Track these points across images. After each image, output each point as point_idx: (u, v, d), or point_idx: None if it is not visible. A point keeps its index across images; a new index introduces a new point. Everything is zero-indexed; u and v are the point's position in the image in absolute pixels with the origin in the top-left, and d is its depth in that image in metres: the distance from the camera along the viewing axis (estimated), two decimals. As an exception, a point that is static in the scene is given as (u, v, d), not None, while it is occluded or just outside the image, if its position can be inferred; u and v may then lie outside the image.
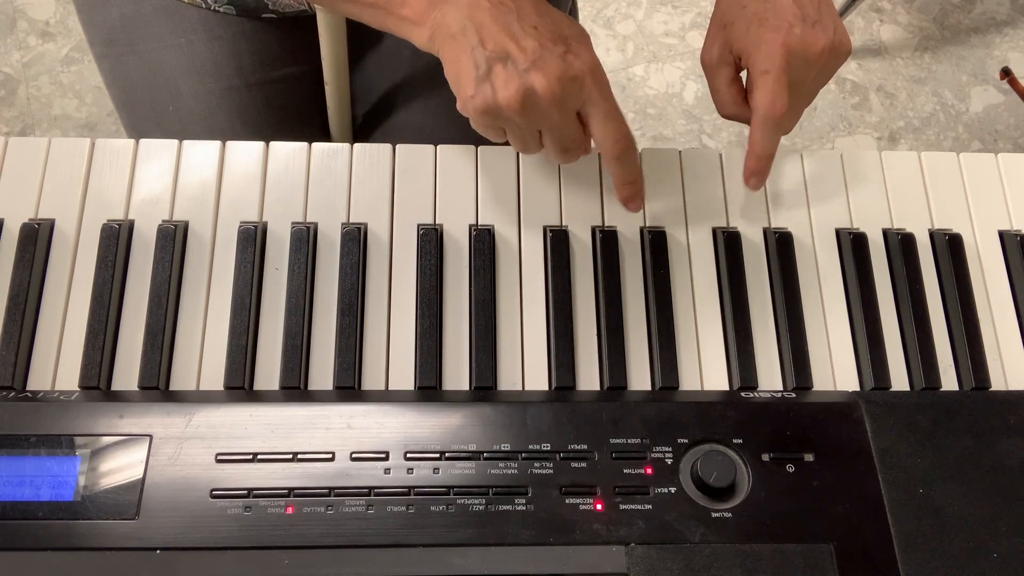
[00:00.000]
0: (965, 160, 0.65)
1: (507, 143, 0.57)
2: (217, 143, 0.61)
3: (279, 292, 0.57)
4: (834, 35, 0.59)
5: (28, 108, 1.57)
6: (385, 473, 0.48)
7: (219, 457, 0.48)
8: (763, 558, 0.47)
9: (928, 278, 0.61)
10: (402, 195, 0.61)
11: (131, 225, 0.59)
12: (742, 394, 0.54)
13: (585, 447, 0.49)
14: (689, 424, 0.50)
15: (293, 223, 0.59)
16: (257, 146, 0.61)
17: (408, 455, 0.49)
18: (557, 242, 0.59)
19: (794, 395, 0.54)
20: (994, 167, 0.65)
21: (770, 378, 0.57)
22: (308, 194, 0.60)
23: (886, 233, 0.62)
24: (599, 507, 0.48)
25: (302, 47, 0.83)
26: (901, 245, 0.61)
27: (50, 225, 0.58)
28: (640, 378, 0.57)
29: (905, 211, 0.63)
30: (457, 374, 0.56)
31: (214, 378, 0.55)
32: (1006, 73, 1.58)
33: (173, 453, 0.48)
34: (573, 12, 0.94)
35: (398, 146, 0.62)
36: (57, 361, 0.55)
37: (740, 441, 0.50)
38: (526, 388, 0.56)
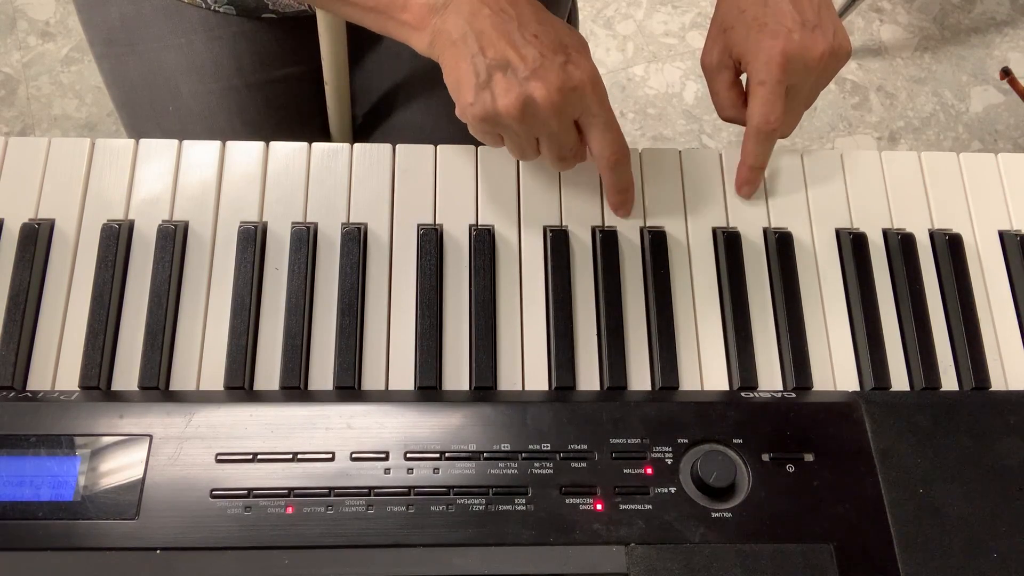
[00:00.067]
0: (965, 160, 0.65)
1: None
2: (217, 143, 0.61)
3: (279, 292, 0.57)
4: (834, 39, 0.59)
5: (28, 108, 1.57)
6: (385, 473, 0.48)
7: (219, 457, 0.48)
8: (763, 558, 0.47)
9: (928, 278, 0.61)
10: (402, 195, 0.61)
11: (131, 225, 0.59)
12: (742, 394, 0.54)
13: (585, 447, 0.49)
14: (689, 424, 0.50)
15: (293, 223, 0.59)
16: (257, 146, 0.61)
17: (408, 455, 0.49)
18: (557, 242, 0.59)
19: (794, 395, 0.54)
20: (994, 167, 0.65)
21: (770, 378, 0.57)
22: (308, 194, 0.61)
23: (886, 233, 0.62)
24: (599, 507, 0.48)
25: (302, 47, 0.83)
26: (901, 245, 0.61)
27: (50, 225, 0.58)
28: (640, 378, 0.57)
29: (905, 211, 0.63)
30: (457, 374, 0.56)
31: (214, 378, 0.55)
32: (1006, 73, 1.58)
33: (173, 453, 0.48)
34: (573, 13, 0.94)
35: (398, 146, 0.62)
36: (57, 361, 0.55)
37: (740, 441, 0.50)
38: (526, 388, 0.56)
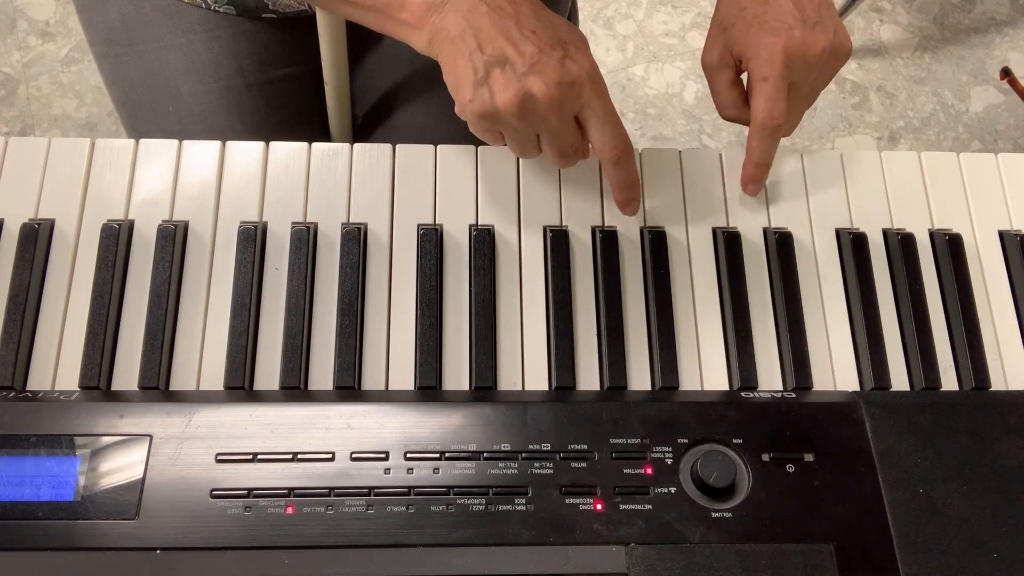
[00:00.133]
0: (965, 160, 0.65)
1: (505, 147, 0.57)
2: (217, 143, 0.61)
3: (279, 292, 0.57)
4: (834, 36, 0.59)
5: (28, 108, 1.57)
6: (385, 473, 0.48)
7: (219, 457, 0.48)
8: (763, 558, 0.47)
9: (928, 278, 0.61)
10: (402, 195, 0.61)
11: (131, 225, 0.59)
12: (742, 394, 0.54)
13: (585, 447, 0.49)
14: (689, 424, 0.50)
15: (293, 223, 0.59)
16: (257, 146, 0.61)
17: (408, 455, 0.49)
18: (557, 242, 0.59)
19: (794, 395, 0.54)
20: (994, 167, 0.65)
21: (770, 378, 0.57)
22: (308, 194, 0.61)
23: (886, 233, 0.62)
24: (599, 507, 0.48)
25: (302, 47, 0.83)
26: (901, 245, 0.61)
27: (50, 225, 0.58)
28: (640, 378, 0.57)
29: (905, 211, 0.63)
30: (457, 374, 0.56)
31: (214, 378, 0.55)
32: (1006, 73, 1.58)
33: (173, 453, 0.48)
34: (573, 13, 0.94)
35: (398, 146, 0.62)
36: (57, 361, 0.55)
37: (740, 441, 0.50)
38: (526, 388, 0.56)
